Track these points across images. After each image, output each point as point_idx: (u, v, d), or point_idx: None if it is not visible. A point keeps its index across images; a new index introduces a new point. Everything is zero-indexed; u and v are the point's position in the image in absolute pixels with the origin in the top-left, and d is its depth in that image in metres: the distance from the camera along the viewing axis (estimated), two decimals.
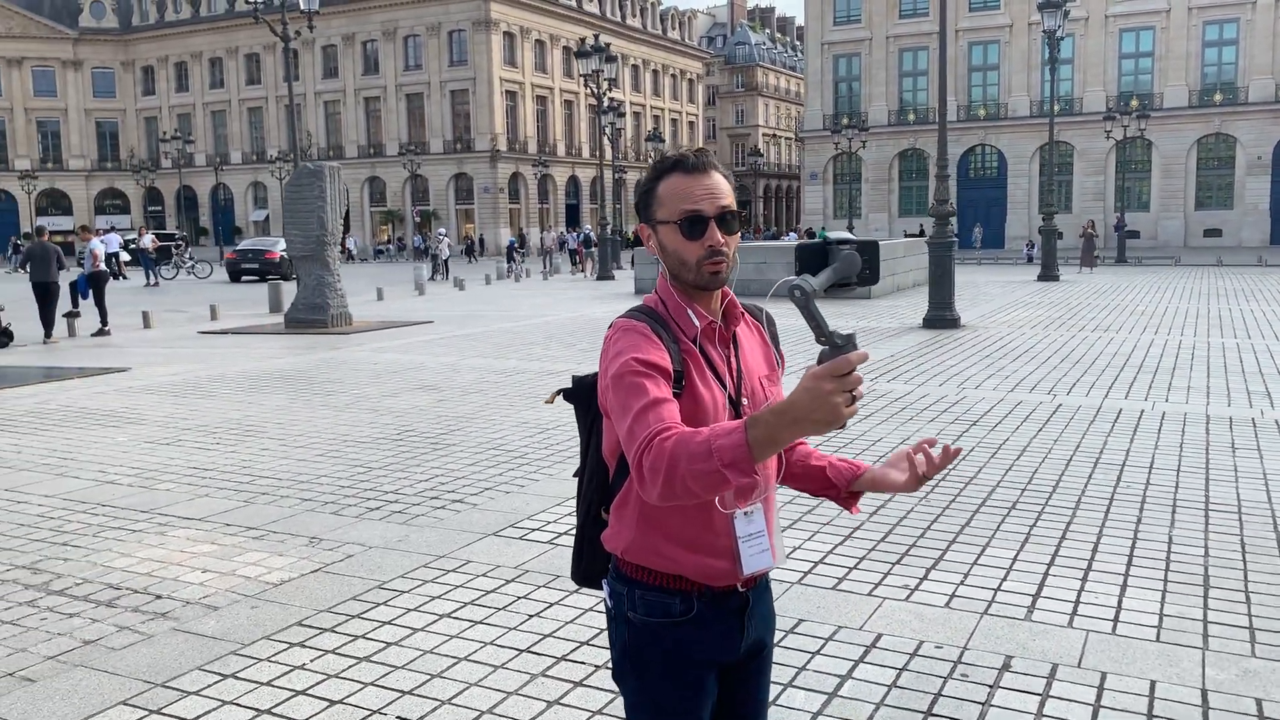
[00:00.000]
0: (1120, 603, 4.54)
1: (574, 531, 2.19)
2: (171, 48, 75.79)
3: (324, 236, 16.73)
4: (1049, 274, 27.39)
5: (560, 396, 2.14)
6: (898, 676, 3.85)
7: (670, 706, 1.98)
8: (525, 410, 9.34)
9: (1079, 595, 4.64)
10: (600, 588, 2.11)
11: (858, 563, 5.13)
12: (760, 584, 2.06)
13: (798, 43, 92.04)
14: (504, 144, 65.18)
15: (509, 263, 35.08)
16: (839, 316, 17.69)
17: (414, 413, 9.36)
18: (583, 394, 2.09)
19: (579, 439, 2.16)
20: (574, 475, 2.24)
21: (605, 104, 34.16)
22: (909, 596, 4.68)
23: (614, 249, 30.60)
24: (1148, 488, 6.42)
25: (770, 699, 2.41)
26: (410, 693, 3.78)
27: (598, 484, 2.07)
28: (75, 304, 17.09)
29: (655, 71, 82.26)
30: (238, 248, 39.04)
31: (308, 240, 16.77)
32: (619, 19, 76.57)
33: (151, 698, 3.75)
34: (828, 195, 61.58)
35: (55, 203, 75.39)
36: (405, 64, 67.58)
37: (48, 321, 16.80)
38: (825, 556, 5.22)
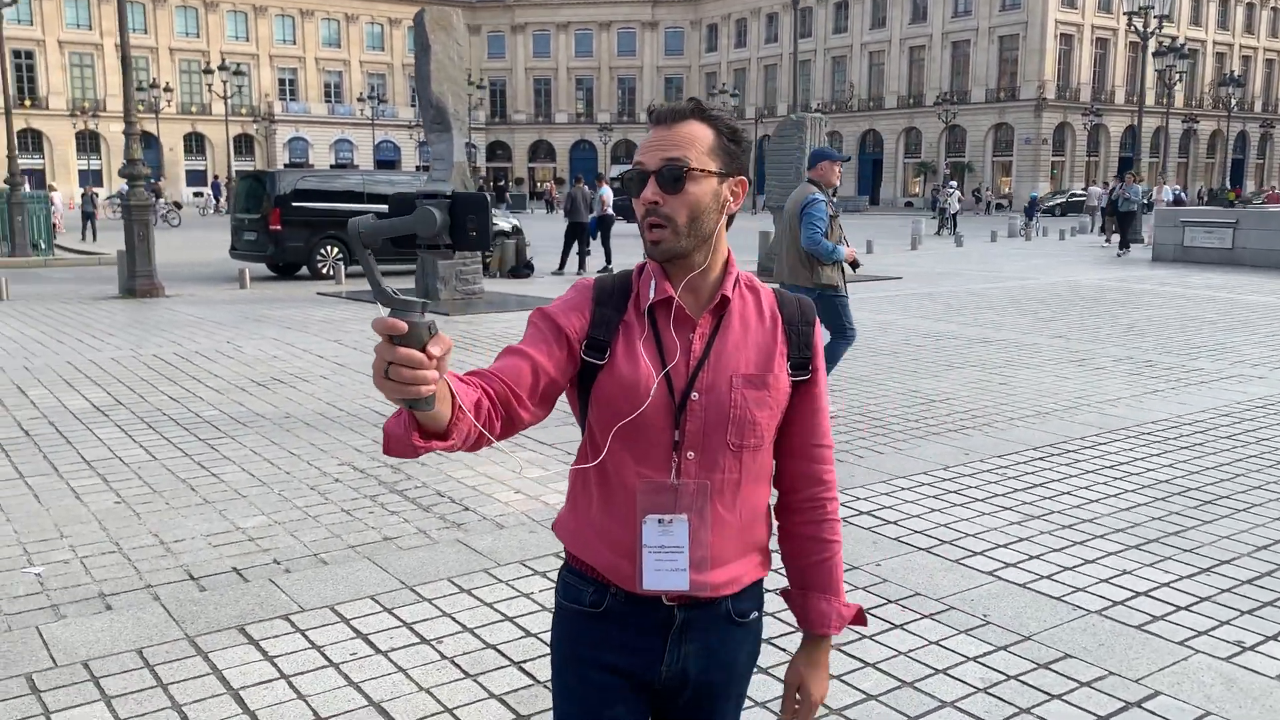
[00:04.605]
0: None
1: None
2: (734, 5, 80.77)
3: None
4: None
5: None
6: None
7: (572, 703, 1.79)
8: (924, 379, 8.80)
9: None
10: None
11: (1192, 604, 4.20)
12: (715, 611, 1.76)
13: None
14: (1052, 91, 60.78)
15: (1027, 219, 32.81)
16: (1204, 287, 14.23)
17: None
18: None
19: None
20: None
21: (1158, 45, 30.34)
22: (1232, 656, 3.74)
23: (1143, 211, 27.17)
24: None
25: None
26: None
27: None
28: (586, 243, 19.22)
29: (1250, 4, 71.20)
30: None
31: (784, 191, 17.10)
32: None
33: (394, 597, 4.19)
34: None
35: (627, 152, 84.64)
36: (954, 10, 65.57)
37: (565, 256, 19.24)
38: (1154, 590, 4.34)
